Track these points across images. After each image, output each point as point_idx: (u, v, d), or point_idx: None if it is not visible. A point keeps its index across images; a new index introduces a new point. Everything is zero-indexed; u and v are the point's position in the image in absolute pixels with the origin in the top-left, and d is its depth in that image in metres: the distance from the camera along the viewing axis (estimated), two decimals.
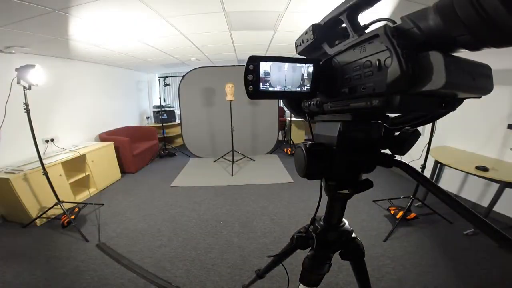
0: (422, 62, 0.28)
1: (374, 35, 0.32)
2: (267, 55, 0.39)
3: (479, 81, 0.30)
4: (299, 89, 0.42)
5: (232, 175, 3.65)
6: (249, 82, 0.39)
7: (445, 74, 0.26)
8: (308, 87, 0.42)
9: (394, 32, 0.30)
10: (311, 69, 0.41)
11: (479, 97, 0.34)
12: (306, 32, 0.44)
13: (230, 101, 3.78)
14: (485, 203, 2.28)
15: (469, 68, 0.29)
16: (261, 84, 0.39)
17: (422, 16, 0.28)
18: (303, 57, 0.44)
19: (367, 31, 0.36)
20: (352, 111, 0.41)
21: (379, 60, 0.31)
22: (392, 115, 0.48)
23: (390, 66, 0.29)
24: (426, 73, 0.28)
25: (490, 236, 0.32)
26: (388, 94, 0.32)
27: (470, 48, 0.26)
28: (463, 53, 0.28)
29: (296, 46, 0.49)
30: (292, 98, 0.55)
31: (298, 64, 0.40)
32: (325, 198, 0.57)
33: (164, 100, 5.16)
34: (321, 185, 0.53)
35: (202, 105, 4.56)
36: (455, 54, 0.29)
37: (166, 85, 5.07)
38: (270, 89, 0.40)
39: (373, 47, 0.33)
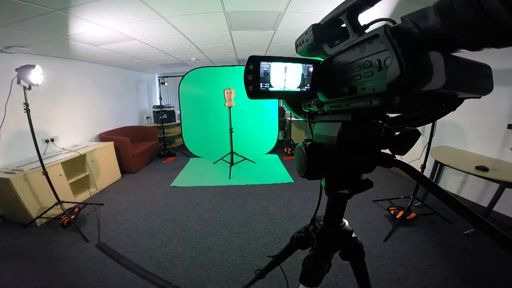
0: (422, 62, 0.28)
1: (374, 35, 0.32)
2: (267, 55, 0.39)
3: (479, 81, 0.30)
4: (299, 89, 0.42)
5: (230, 178, 3.56)
6: (249, 82, 0.39)
7: (445, 74, 0.26)
8: (308, 87, 0.42)
9: (394, 32, 0.30)
10: (311, 69, 0.41)
11: (479, 97, 0.34)
12: (306, 32, 0.44)
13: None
14: (485, 203, 2.28)
15: (469, 68, 0.29)
16: (261, 84, 0.40)
17: (422, 16, 0.28)
18: (303, 57, 0.44)
19: (367, 31, 0.36)
20: (352, 111, 0.41)
21: (379, 60, 0.31)
22: (392, 115, 0.48)
23: (390, 66, 0.29)
24: (426, 73, 0.28)
25: (490, 236, 0.32)
26: (388, 94, 0.32)
27: (470, 48, 0.26)
28: (463, 53, 0.28)
29: (296, 46, 0.49)
30: (292, 98, 0.55)
31: (298, 64, 0.40)
32: (325, 198, 0.57)
33: (161, 98, 5.15)
34: (321, 185, 0.53)
35: (202, 105, 4.56)
36: (455, 54, 0.29)
37: (161, 83, 5.11)
38: (270, 89, 0.40)
39: (373, 47, 0.33)
